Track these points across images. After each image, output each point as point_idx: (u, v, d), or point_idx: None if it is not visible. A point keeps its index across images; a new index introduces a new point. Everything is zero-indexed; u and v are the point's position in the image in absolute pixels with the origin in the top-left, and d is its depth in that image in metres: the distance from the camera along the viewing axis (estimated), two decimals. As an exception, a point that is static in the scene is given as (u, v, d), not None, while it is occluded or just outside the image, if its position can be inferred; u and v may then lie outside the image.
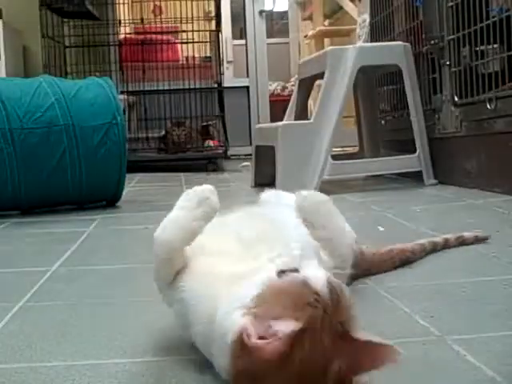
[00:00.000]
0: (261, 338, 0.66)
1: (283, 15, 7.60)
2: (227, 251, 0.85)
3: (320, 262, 0.84)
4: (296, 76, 3.73)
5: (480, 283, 1.19)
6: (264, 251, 0.82)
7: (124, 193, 2.61)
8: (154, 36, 5.35)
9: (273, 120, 5.72)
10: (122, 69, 5.19)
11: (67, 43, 4.99)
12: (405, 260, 1.32)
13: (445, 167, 2.79)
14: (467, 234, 1.48)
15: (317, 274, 0.71)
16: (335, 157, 2.84)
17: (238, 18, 6.71)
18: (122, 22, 5.17)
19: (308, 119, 3.04)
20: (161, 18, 5.59)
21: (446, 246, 1.44)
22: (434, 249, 1.41)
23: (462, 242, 1.46)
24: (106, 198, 2.58)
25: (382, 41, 3.33)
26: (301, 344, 0.66)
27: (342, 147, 4.07)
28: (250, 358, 0.66)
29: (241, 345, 0.67)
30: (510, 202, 2.15)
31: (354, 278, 1.20)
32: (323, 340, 0.67)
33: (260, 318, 0.67)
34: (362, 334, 0.69)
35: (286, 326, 0.65)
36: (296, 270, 0.73)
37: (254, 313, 0.68)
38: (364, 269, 1.23)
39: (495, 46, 2.35)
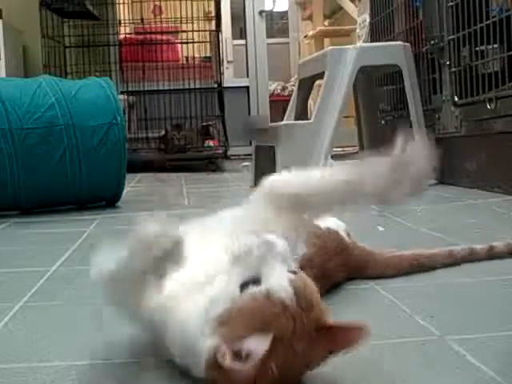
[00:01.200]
0: (234, 354, 0.66)
1: (283, 15, 7.60)
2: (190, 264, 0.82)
3: (289, 256, 0.76)
4: (296, 76, 3.73)
5: (480, 283, 1.19)
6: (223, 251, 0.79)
7: (124, 193, 2.61)
8: (153, 36, 5.35)
9: (273, 120, 5.72)
10: (121, 69, 5.19)
11: (67, 43, 4.99)
12: (416, 266, 1.26)
13: (445, 167, 2.79)
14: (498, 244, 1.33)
15: (279, 282, 0.70)
16: (335, 157, 2.84)
17: (238, 18, 6.72)
18: (122, 22, 5.18)
19: (308, 119, 3.04)
20: (161, 18, 5.59)
21: (474, 257, 1.31)
22: (456, 258, 1.29)
23: (494, 254, 1.31)
24: (105, 198, 2.58)
25: (382, 41, 3.33)
26: (274, 356, 0.67)
27: (342, 147, 4.07)
28: (225, 375, 0.67)
29: (215, 363, 0.68)
30: (510, 202, 2.15)
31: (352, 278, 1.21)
32: (296, 348, 0.69)
33: (229, 337, 0.68)
34: (333, 321, 0.73)
35: (257, 345, 0.65)
36: (257, 281, 0.71)
37: (223, 332, 0.69)
38: (369, 271, 1.23)
39: (495, 46, 2.35)
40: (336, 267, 1.13)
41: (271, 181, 1.00)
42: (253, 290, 0.70)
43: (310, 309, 0.70)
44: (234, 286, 0.71)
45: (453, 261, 1.29)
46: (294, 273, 0.73)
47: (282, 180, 0.99)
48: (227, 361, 0.66)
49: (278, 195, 0.96)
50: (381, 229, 1.78)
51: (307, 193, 0.93)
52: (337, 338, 0.72)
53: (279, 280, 0.71)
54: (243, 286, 0.71)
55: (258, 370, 0.65)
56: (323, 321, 0.72)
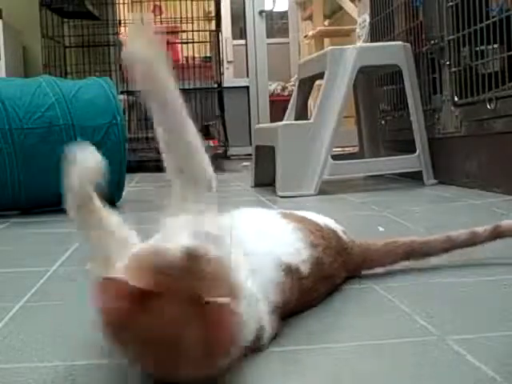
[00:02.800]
0: None
1: (283, 15, 7.60)
2: None
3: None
4: (296, 76, 3.73)
5: (480, 283, 1.19)
6: None
7: (124, 193, 2.61)
8: (153, 36, 5.34)
9: (273, 120, 5.72)
10: (122, 69, 5.19)
11: (67, 43, 4.99)
12: (411, 252, 1.23)
13: (445, 167, 2.79)
14: (505, 223, 1.27)
15: (173, 243, 0.70)
16: (335, 157, 2.84)
17: (238, 18, 6.72)
18: (122, 22, 5.18)
19: (308, 119, 3.04)
20: (161, 18, 5.59)
21: (478, 240, 1.26)
22: (459, 243, 1.25)
23: (498, 235, 1.27)
24: (105, 198, 2.58)
25: (382, 41, 3.33)
26: (146, 307, 0.67)
27: (342, 147, 4.07)
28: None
29: None
30: (510, 202, 2.15)
31: (349, 276, 1.21)
32: (170, 306, 0.67)
33: None
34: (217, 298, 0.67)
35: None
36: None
37: None
38: (359, 263, 1.22)
39: (495, 46, 2.35)
40: (339, 267, 1.13)
41: None
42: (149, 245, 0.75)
43: (198, 278, 0.68)
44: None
45: (451, 245, 1.25)
46: None
47: None
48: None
49: None
50: (381, 229, 1.78)
51: None
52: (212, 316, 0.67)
53: (176, 242, 0.71)
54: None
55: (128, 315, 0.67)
56: (210, 293, 0.68)
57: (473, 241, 1.26)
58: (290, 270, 0.95)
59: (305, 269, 0.99)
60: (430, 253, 1.25)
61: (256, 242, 0.93)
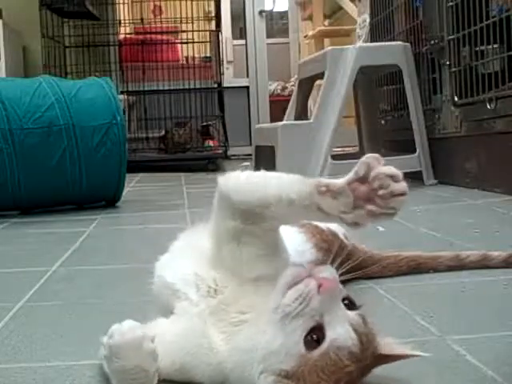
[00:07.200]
0: None
1: (283, 15, 7.59)
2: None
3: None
4: (296, 76, 3.73)
5: (480, 283, 1.19)
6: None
7: (124, 193, 2.61)
8: (154, 36, 5.35)
9: (273, 120, 5.72)
10: (121, 69, 5.19)
11: (67, 43, 4.99)
12: (415, 267, 1.26)
13: (445, 167, 2.79)
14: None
15: (344, 330, 0.69)
16: (335, 157, 2.84)
17: (238, 18, 6.72)
18: (122, 22, 5.18)
19: (308, 119, 3.04)
20: (161, 18, 5.59)
21: (490, 263, 1.26)
22: (462, 263, 1.26)
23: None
24: (105, 198, 2.58)
25: (382, 41, 3.33)
26: None
27: (342, 147, 4.07)
28: None
29: None
30: (510, 202, 2.15)
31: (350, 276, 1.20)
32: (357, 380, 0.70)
33: None
34: (388, 347, 0.74)
35: None
36: (319, 328, 0.68)
37: None
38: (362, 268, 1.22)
39: (495, 46, 2.35)
40: (337, 269, 1.12)
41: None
42: (322, 347, 0.68)
43: (369, 345, 0.70)
44: (298, 341, 0.68)
45: (459, 264, 1.26)
46: (349, 305, 0.72)
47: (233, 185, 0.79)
48: None
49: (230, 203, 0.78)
50: (381, 229, 1.78)
51: (259, 204, 0.75)
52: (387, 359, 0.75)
53: (343, 327, 0.69)
54: (306, 339, 0.68)
55: None
56: (378, 351, 0.73)
57: (483, 263, 1.26)
58: None
59: None
60: (436, 268, 1.26)
61: None
